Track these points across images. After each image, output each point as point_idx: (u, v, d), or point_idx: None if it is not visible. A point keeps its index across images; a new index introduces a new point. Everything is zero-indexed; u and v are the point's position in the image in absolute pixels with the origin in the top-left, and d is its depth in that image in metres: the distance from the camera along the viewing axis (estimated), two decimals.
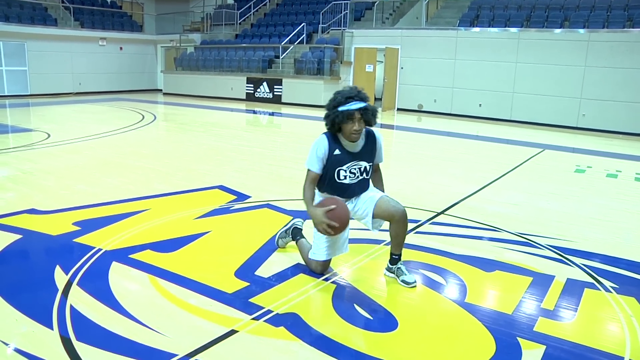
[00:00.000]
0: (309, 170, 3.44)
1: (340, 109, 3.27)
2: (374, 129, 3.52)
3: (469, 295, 3.41)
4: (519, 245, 4.39)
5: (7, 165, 6.87)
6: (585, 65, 13.12)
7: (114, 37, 20.94)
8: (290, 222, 4.11)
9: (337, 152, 3.40)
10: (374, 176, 3.68)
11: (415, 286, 3.48)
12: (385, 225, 3.56)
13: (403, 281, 3.50)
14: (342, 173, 3.43)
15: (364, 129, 3.40)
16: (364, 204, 3.52)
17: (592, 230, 4.95)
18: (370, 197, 3.52)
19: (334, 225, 3.25)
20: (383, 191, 3.63)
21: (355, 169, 3.45)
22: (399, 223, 3.42)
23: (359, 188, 3.53)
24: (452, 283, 3.61)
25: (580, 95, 13.29)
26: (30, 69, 18.39)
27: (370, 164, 3.51)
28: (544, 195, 6.19)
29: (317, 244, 3.56)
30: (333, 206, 3.31)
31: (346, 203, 3.50)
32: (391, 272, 3.61)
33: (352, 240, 4.29)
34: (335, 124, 3.32)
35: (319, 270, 3.63)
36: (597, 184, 7.01)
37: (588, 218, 5.34)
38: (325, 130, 3.44)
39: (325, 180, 3.47)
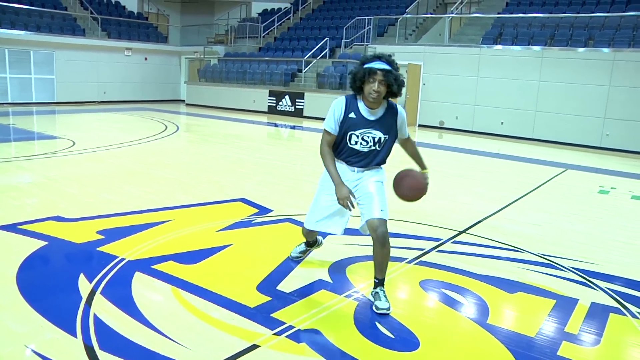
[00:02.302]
0: (325, 130, 3.40)
1: (365, 65, 3.25)
2: (398, 104, 3.46)
3: (491, 317, 3.37)
4: (541, 267, 4.34)
5: (33, 172, 7.01)
6: (609, 84, 12.98)
7: (139, 48, 21.33)
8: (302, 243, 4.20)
9: (352, 115, 3.34)
10: (409, 149, 3.63)
11: (386, 313, 3.32)
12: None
13: (375, 306, 3.37)
14: (353, 138, 3.36)
15: (387, 101, 3.37)
16: (365, 197, 3.41)
17: (617, 253, 4.87)
18: (370, 192, 3.40)
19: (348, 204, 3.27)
20: (422, 162, 3.60)
21: (368, 137, 3.35)
22: (376, 243, 3.34)
23: (369, 158, 3.42)
24: (474, 303, 3.58)
25: (604, 115, 13.13)
26: (58, 77, 18.81)
27: (386, 136, 3.38)
28: (566, 216, 6.12)
29: (311, 209, 3.68)
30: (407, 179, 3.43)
31: (351, 172, 3.45)
32: (370, 295, 3.52)
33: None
34: (357, 79, 3.27)
35: (304, 234, 3.95)
36: (622, 205, 6.90)
37: (612, 240, 5.26)
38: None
39: (338, 144, 3.43)
